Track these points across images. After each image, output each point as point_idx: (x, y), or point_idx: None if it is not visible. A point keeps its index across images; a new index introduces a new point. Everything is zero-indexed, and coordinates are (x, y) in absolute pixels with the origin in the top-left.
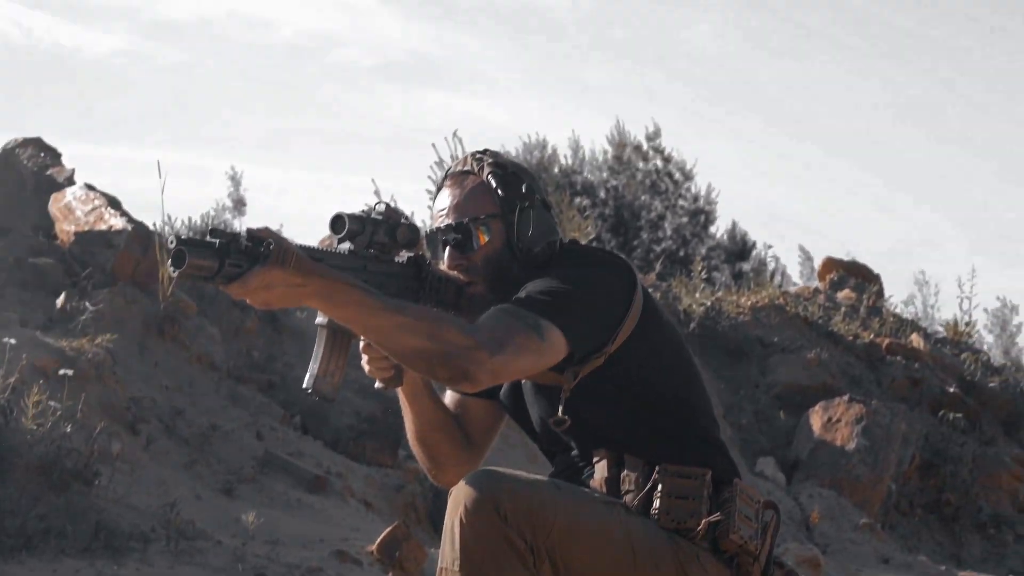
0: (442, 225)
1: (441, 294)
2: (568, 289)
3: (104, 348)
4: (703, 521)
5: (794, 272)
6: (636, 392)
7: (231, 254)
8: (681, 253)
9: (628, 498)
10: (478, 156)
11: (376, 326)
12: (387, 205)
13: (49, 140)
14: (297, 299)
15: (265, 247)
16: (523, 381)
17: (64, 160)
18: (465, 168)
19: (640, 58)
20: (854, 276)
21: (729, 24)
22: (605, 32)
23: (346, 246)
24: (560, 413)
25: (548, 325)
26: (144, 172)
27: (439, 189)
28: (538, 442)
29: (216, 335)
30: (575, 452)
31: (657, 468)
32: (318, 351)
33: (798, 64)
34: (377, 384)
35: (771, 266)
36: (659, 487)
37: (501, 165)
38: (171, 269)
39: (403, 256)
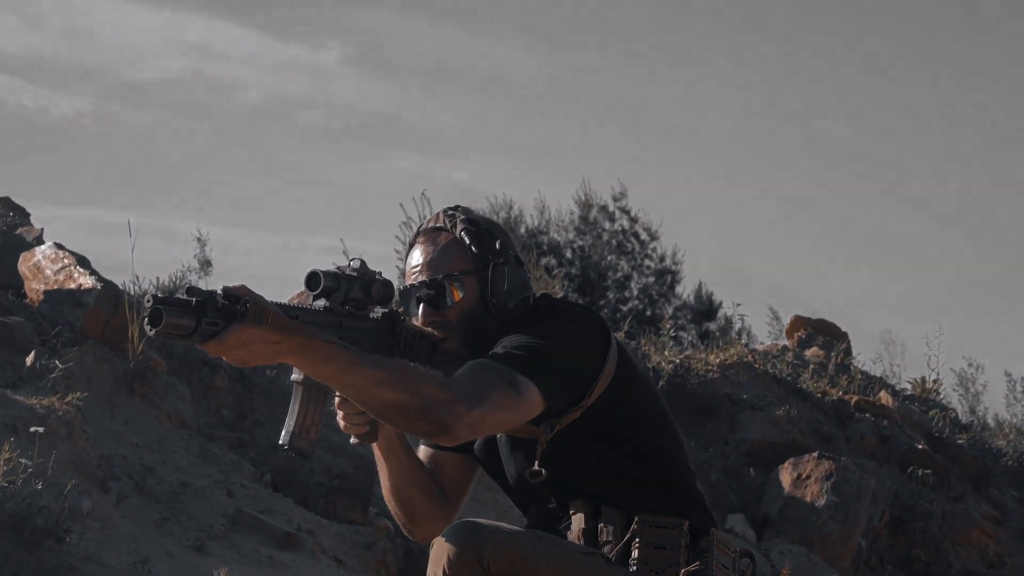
0: (415, 282)
1: (416, 349)
2: (543, 345)
3: (74, 406)
4: (681, 571)
5: (762, 330)
6: (612, 444)
7: (208, 312)
8: (648, 313)
9: (607, 549)
10: (450, 212)
11: (353, 382)
12: (361, 262)
13: (16, 200)
14: (274, 356)
15: (242, 305)
16: (498, 435)
17: (32, 220)
18: (437, 225)
19: (605, 119)
20: (822, 334)
21: (693, 85)
22: (570, 93)
23: (321, 303)
24: (536, 466)
25: (524, 381)
26: (111, 232)
27: (411, 246)
28: (512, 495)
29: (186, 393)
30: (551, 504)
31: (636, 519)
32: (294, 407)
33: (762, 123)
34: (352, 440)
35: (737, 325)
36: (637, 537)
37: (473, 221)
38: (148, 328)
39: (378, 312)
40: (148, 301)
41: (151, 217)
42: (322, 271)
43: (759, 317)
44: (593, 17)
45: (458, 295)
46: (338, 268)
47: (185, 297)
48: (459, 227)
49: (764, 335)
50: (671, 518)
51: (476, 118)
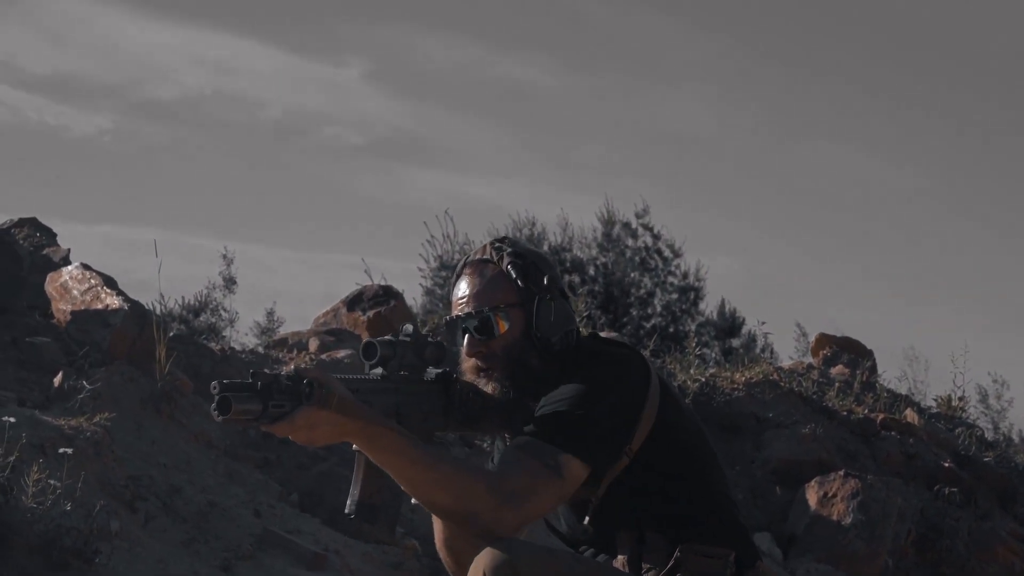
0: (462, 313)
1: (468, 407)
2: (583, 408)
3: (102, 426)
4: None
5: (788, 347)
6: (657, 478)
7: (273, 395)
8: (671, 330)
9: (651, 575)
10: (497, 245)
11: (409, 477)
12: (413, 327)
13: (39, 218)
14: (340, 437)
15: (306, 386)
16: None
17: (57, 240)
18: (484, 256)
19: (628, 135)
20: (847, 351)
21: (716, 101)
22: (592, 109)
23: (378, 371)
24: (587, 521)
25: (568, 459)
26: (133, 249)
27: (458, 276)
28: (560, 537)
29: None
30: (593, 536)
31: (680, 547)
32: (358, 475)
33: (787, 140)
34: (412, 501)
35: (761, 342)
36: (681, 567)
37: (520, 255)
38: (216, 415)
39: (432, 373)
40: (214, 389)
41: (173, 234)
42: (377, 341)
43: (783, 334)
44: (614, 34)
45: (504, 327)
46: (392, 337)
47: (250, 381)
48: (506, 260)
49: (789, 351)
50: (717, 548)
51: (498, 135)
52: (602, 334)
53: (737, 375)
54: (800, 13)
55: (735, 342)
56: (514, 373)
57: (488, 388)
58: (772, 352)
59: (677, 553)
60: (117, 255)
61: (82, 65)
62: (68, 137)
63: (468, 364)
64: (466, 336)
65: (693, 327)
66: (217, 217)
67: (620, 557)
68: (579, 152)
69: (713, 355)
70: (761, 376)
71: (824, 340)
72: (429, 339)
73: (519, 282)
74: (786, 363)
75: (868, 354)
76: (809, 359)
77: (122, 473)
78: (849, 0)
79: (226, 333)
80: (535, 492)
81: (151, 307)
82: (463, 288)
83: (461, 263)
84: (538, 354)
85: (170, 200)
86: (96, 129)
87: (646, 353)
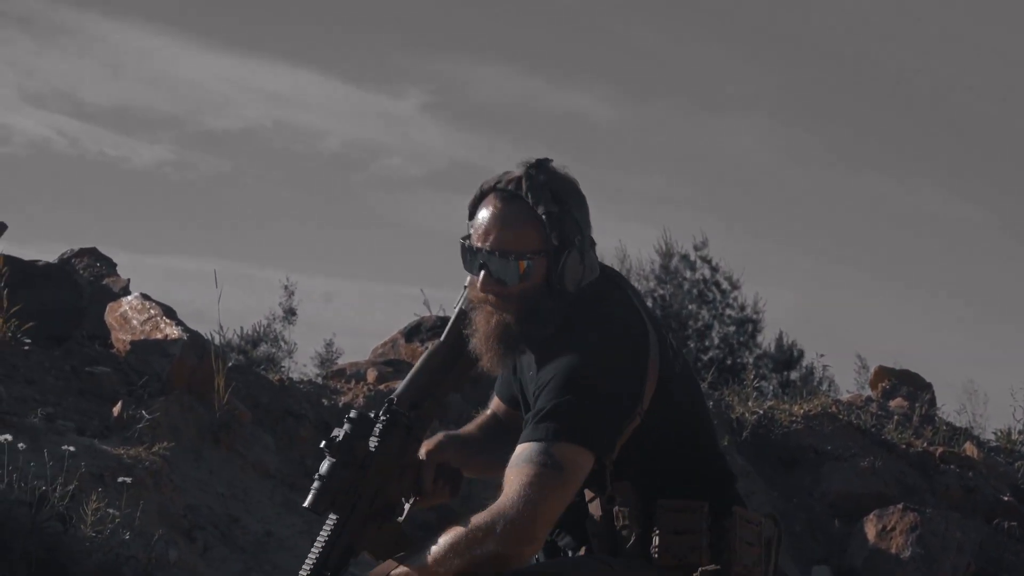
0: (485, 247)
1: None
2: (576, 392)
3: (161, 456)
4: (699, 570)
5: (847, 379)
6: (644, 439)
7: None
8: (728, 362)
9: (625, 534)
10: (531, 182)
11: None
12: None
13: (99, 248)
14: None
15: None
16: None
17: (117, 270)
18: (518, 192)
19: (686, 166)
20: (906, 384)
21: (774, 131)
22: (649, 140)
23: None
24: (610, 489)
25: (562, 449)
26: (192, 279)
27: (482, 197)
28: None
29: (270, 443)
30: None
31: (656, 507)
32: None
33: (846, 171)
34: None
35: (819, 374)
36: (657, 525)
37: (557, 199)
38: None
39: (373, 444)
40: None
41: (232, 264)
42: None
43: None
44: (670, 64)
45: (525, 275)
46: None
47: None
48: (541, 208)
49: (848, 384)
50: (690, 501)
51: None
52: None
53: (795, 408)
54: (858, 44)
55: (793, 374)
56: (525, 316)
57: (491, 321)
58: (831, 384)
59: (654, 512)
60: (176, 286)
61: (142, 96)
62: (128, 168)
63: (476, 295)
64: (483, 272)
65: (751, 359)
66: (276, 248)
67: (593, 514)
68: (636, 183)
69: (771, 388)
70: (820, 409)
71: (883, 373)
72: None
73: (552, 234)
74: (845, 396)
75: (927, 387)
76: (868, 392)
77: (180, 502)
78: (905, 32)
79: (285, 364)
80: (540, 501)
81: (210, 337)
82: (489, 218)
83: (491, 183)
84: (553, 301)
85: (229, 231)
86: (156, 160)
87: (704, 385)
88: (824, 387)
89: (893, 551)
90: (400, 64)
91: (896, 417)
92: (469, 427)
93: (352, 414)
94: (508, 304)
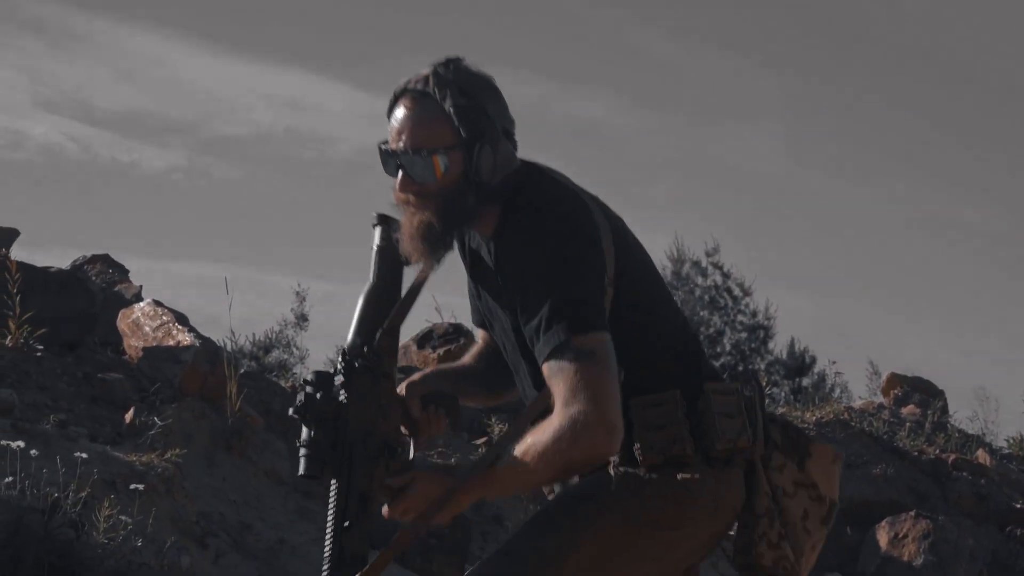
0: (399, 148)
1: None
2: (567, 287)
3: (173, 463)
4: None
5: (859, 386)
6: (612, 325)
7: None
8: (740, 368)
9: None
10: (439, 79)
11: (518, 486)
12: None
13: (111, 254)
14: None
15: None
16: (505, 327)
17: (130, 276)
18: (427, 89)
19: (697, 172)
20: (918, 391)
21: (785, 137)
22: (660, 146)
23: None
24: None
25: (591, 343)
26: (203, 285)
27: (396, 100)
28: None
29: (283, 449)
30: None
31: (630, 405)
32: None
33: (856, 177)
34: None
35: (831, 381)
36: (635, 425)
37: (465, 93)
38: None
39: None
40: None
41: (244, 270)
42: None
43: (853, 372)
44: (680, 71)
45: (440, 171)
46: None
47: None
48: (448, 102)
49: (860, 390)
50: (661, 394)
51: (566, 172)
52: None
53: (808, 414)
54: (867, 51)
55: (805, 381)
56: (445, 212)
57: (414, 221)
58: (843, 391)
59: (628, 413)
60: (187, 291)
61: (153, 102)
62: (139, 174)
63: (398, 196)
64: (400, 172)
65: (762, 366)
66: (288, 254)
67: None
68: (648, 189)
69: (783, 394)
70: (832, 416)
71: (895, 380)
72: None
73: (461, 127)
74: (857, 402)
75: (939, 394)
76: (880, 399)
77: (193, 509)
78: (914, 38)
79: (296, 370)
80: (598, 390)
81: (222, 344)
82: (400, 118)
83: (401, 86)
84: (474, 195)
85: (241, 237)
86: (167, 165)
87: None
88: (836, 394)
89: (905, 558)
90: (412, 69)
91: (908, 424)
92: (463, 359)
93: (309, 375)
94: (428, 202)
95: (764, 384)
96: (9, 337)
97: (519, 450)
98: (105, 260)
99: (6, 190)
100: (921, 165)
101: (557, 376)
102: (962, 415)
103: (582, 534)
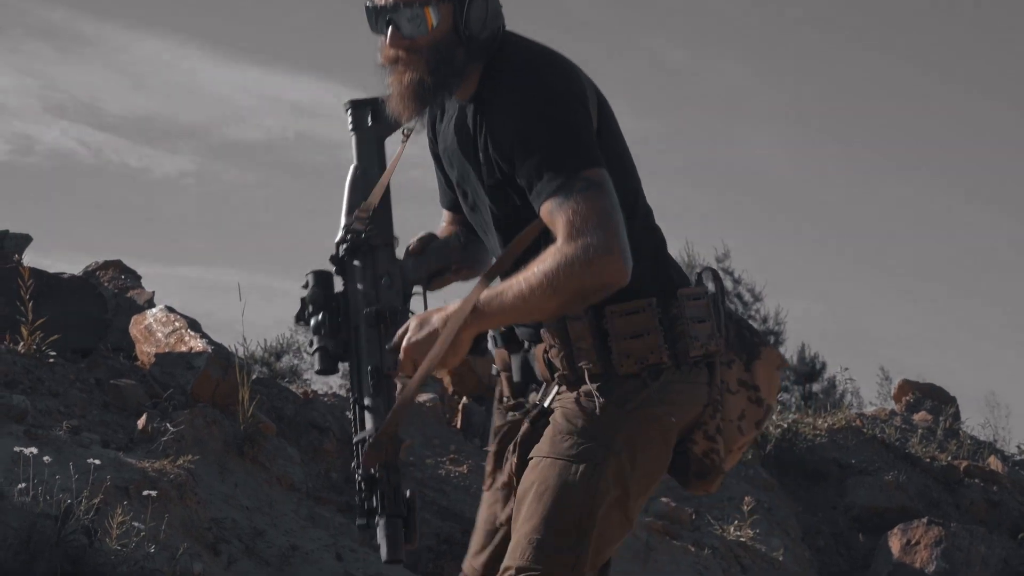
0: (389, 2)
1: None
2: (565, 127)
3: (185, 469)
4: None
5: (871, 390)
6: None
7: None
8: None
9: (580, 354)
10: None
11: (523, 313)
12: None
13: (117, 257)
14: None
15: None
16: (483, 185)
17: (142, 283)
18: None
19: (707, 177)
20: (930, 398)
21: (794, 143)
22: (671, 151)
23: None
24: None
25: (594, 176)
26: (214, 291)
27: None
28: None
29: (295, 456)
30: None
31: (605, 312)
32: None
33: (866, 182)
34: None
35: (841, 387)
36: (610, 335)
37: None
38: None
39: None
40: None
41: (256, 276)
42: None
43: (863, 377)
44: (692, 75)
45: (432, 24)
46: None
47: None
48: None
49: (870, 395)
50: (639, 301)
51: None
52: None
53: (820, 421)
54: (877, 55)
55: (816, 387)
56: (436, 67)
57: (404, 78)
58: (854, 395)
59: (604, 323)
60: (199, 296)
61: (164, 107)
62: (150, 179)
63: (387, 54)
64: (390, 28)
65: None
66: (299, 259)
67: (544, 338)
68: (660, 193)
69: (793, 400)
70: (844, 423)
71: (907, 387)
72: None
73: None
74: (868, 408)
75: (951, 401)
76: (891, 405)
77: (205, 516)
78: (923, 42)
79: (308, 376)
80: (609, 218)
81: (234, 350)
82: None
83: None
84: (464, 50)
85: (252, 242)
86: (178, 171)
87: None
88: (847, 399)
89: (917, 565)
90: None
91: (920, 431)
92: (442, 233)
93: (307, 276)
94: (419, 58)
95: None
96: (21, 343)
97: (523, 276)
98: (117, 266)
99: (17, 195)
100: (934, 168)
101: (563, 207)
102: (974, 422)
103: (596, 492)
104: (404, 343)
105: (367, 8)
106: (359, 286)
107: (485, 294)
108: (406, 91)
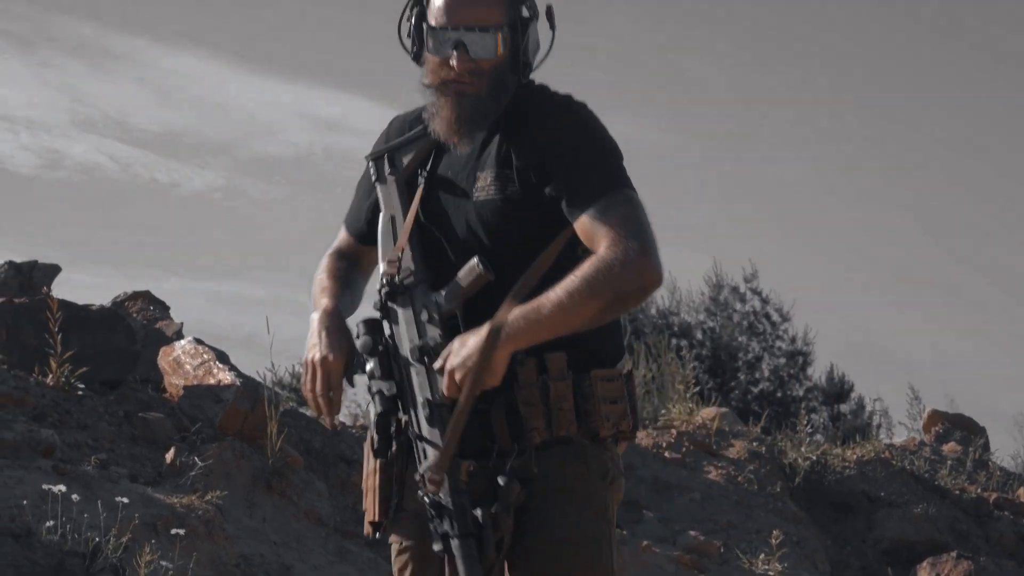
0: (462, 24)
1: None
2: (612, 153)
3: (213, 505)
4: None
5: (900, 410)
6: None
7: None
8: (779, 395)
9: (561, 416)
10: None
11: (565, 324)
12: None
13: (152, 278)
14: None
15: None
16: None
17: (171, 313)
18: None
19: (737, 197)
20: (960, 428)
21: (824, 160)
22: (699, 167)
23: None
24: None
25: (632, 193)
26: (243, 304)
27: None
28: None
29: (323, 489)
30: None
31: (590, 377)
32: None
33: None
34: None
35: (870, 407)
36: (594, 396)
37: None
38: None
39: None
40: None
41: (282, 290)
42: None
43: (892, 397)
44: (719, 91)
45: (501, 49)
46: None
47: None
48: None
49: (899, 415)
50: (614, 369)
51: None
52: None
53: (848, 453)
54: (904, 72)
55: (844, 407)
56: (494, 91)
57: (463, 100)
58: (883, 417)
59: (589, 386)
60: (226, 310)
61: (192, 122)
62: (178, 194)
63: (443, 75)
64: (457, 50)
65: (801, 392)
66: None
67: (523, 382)
68: (686, 211)
69: (821, 420)
70: (873, 454)
71: (936, 417)
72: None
73: (520, 5)
74: (896, 431)
75: (980, 431)
76: (920, 433)
77: (233, 552)
78: (955, 58)
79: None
80: (648, 229)
81: (261, 377)
82: None
83: None
84: (515, 74)
85: (280, 257)
86: (206, 185)
87: (756, 429)
88: (875, 421)
89: None
90: None
91: (949, 462)
92: (335, 287)
93: (358, 326)
94: (480, 81)
95: (807, 423)
96: (50, 376)
97: (560, 286)
98: (145, 297)
99: (46, 209)
100: (962, 187)
101: (606, 217)
102: (1004, 453)
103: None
104: (447, 366)
105: (425, 27)
106: (403, 327)
107: (518, 311)
108: (463, 113)
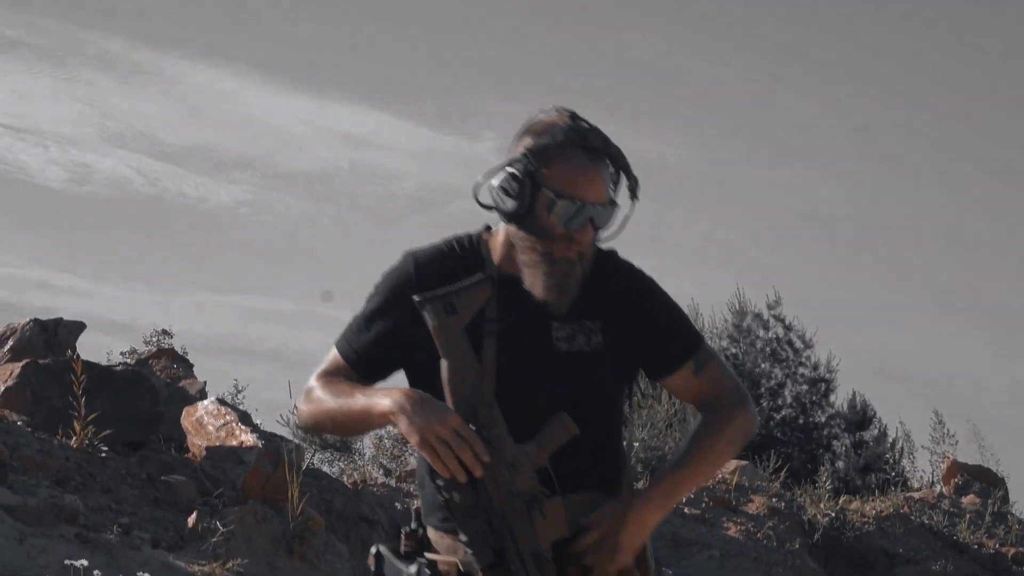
0: (598, 202)
1: None
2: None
3: (235, 573)
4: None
5: (923, 435)
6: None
7: None
8: (801, 421)
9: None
10: (602, 138)
11: (693, 487)
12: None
13: (174, 286)
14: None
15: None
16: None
17: (194, 372)
18: (602, 148)
19: (761, 212)
20: (979, 480)
21: (851, 179)
22: (725, 186)
23: None
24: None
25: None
26: (266, 319)
27: (560, 147)
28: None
29: (344, 551)
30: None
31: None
32: None
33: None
34: None
35: (892, 435)
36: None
37: (612, 156)
38: None
39: None
40: None
41: (307, 304)
42: None
43: (915, 422)
44: (745, 108)
45: (615, 223)
46: None
47: None
48: (608, 164)
49: (922, 439)
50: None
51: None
52: None
53: (867, 507)
54: (935, 93)
55: (866, 435)
56: (582, 261)
57: (576, 270)
58: (907, 441)
59: None
60: (251, 324)
61: (220, 136)
62: (205, 208)
63: (553, 244)
64: (588, 225)
65: (823, 418)
66: (351, 289)
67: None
68: (711, 230)
69: (843, 447)
70: (892, 509)
71: (955, 468)
72: None
73: (623, 189)
74: (917, 494)
75: (1000, 483)
76: (941, 455)
77: None
78: (992, 85)
79: (356, 445)
80: (735, 376)
81: (283, 421)
82: (593, 172)
83: (581, 135)
84: (594, 247)
85: (305, 271)
86: (233, 200)
87: (776, 485)
88: (899, 445)
89: None
90: (476, 107)
91: (968, 515)
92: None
93: (439, 481)
94: (587, 252)
95: (826, 480)
96: (74, 438)
97: (710, 444)
98: (169, 355)
99: (74, 223)
100: (986, 213)
101: (720, 373)
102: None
103: None
104: (627, 541)
105: (571, 203)
106: (490, 477)
107: (671, 481)
108: (572, 281)
